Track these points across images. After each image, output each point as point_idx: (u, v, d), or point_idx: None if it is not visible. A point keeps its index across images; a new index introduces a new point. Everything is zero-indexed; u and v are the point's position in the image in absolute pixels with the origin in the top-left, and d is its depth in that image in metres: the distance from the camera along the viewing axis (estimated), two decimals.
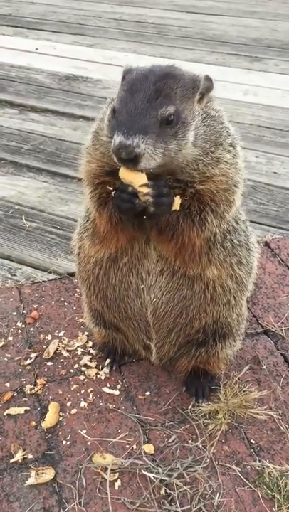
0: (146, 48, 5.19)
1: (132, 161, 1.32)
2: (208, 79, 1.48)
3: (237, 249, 1.68)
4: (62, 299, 2.35)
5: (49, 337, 2.17)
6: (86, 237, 1.73)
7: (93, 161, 1.56)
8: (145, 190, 1.40)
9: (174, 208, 1.47)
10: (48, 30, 5.61)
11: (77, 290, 2.38)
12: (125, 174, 1.39)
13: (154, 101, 1.34)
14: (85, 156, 1.60)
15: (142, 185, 1.40)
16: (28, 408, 1.89)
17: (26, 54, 5.03)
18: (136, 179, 1.39)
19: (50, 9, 6.18)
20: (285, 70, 4.71)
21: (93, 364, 2.05)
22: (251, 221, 2.41)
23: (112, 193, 1.52)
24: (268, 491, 1.63)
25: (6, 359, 2.07)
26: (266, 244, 2.69)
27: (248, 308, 2.22)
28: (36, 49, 5.14)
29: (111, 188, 1.52)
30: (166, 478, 1.65)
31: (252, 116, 3.93)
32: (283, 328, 2.21)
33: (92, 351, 2.11)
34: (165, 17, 5.99)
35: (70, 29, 5.65)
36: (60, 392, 1.94)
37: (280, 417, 1.85)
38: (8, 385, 1.97)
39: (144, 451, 1.74)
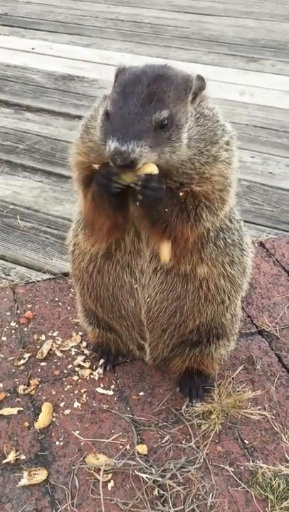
0: (142, 48, 5.18)
1: (129, 166, 1.32)
2: (200, 78, 1.47)
3: (230, 249, 1.68)
4: (57, 299, 2.35)
5: (43, 337, 2.16)
6: (80, 231, 1.73)
7: (81, 153, 1.56)
8: (135, 178, 1.39)
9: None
10: (45, 29, 5.60)
11: (72, 290, 2.37)
12: (126, 175, 1.39)
13: (148, 105, 1.34)
14: (74, 148, 1.60)
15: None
16: (21, 409, 1.88)
17: (22, 54, 5.02)
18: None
19: (47, 9, 6.17)
20: (281, 70, 4.71)
21: (87, 364, 2.05)
22: (246, 221, 2.41)
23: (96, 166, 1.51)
24: (262, 492, 1.63)
25: None
26: (261, 244, 2.68)
27: (243, 308, 2.22)
28: (32, 49, 5.13)
29: (96, 166, 1.51)
30: (160, 479, 1.65)
31: (248, 116, 3.93)
32: (278, 328, 2.21)
33: (86, 351, 2.10)
34: (162, 17, 5.98)
35: (67, 29, 5.64)
36: (54, 393, 1.94)
37: (273, 417, 1.84)
38: (1, 385, 1.96)
39: (138, 452, 1.73)
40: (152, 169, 1.38)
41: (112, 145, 1.30)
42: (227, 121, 1.57)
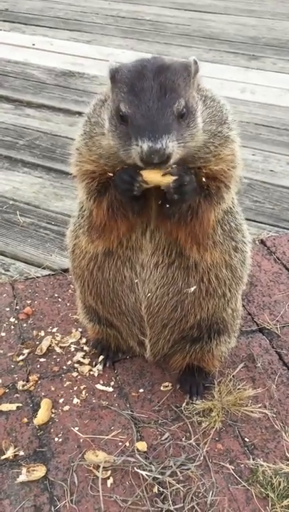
0: (143, 45, 5.17)
1: (165, 162, 1.31)
2: (195, 62, 1.47)
3: (234, 233, 1.69)
4: (56, 295, 2.33)
5: (42, 333, 2.14)
6: (82, 234, 1.71)
7: (88, 161, 1.53)
8: (169, 179, 1.39)
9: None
10: (45, 26, 5.58)
11: (71, 286, 2.35)
12: (150, 177, 1.39)
13: (164, 98, 1.32)
14: (76, 157, 1.57)
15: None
16: (20, 405, 1.86)
17: (23, 49, 5.00)
18: (164, 179, 1.39)
19: (48, 5, 6.15)
20: (282, 68, 4.70)
21: (86, 361, 2.03)
22: (247, 219, 2.38)
23: (111, 174, 1.49)
24: (262, 490, 1.62)
25: None
26: (262, 242, 2.67)
27: (244, 305, 2.21)
28: (33, 44, 5.11)
29: (111, 174, 1.50)
30: (159, 476, 1.64)
31: (249, 114, 3.92)
32: (278, 326, 2.19)
33: (85, 348, 2.08)
34: (163, 14, 5.96)
35: (67, 25, 5.62)
36: (53, 389, 1.92)
37: (274, 415, 1.83)
38: (0, 381, 1.95)
39: (137, 449, 1.72)
40: (170, 178, 1.39)
41: (145, 145, 1.27)
42: (224, 99, 1.58)
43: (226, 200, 1.55)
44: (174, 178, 1.39)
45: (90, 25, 5.64)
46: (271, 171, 3.30)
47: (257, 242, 2.64)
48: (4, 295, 2.32)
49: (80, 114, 4.08)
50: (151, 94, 1.32)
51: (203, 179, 1.48)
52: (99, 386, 1.94)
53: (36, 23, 5.64)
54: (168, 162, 1.32)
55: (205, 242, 1.58)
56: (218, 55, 4.98)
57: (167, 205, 1.48)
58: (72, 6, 6.16)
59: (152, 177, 1.39)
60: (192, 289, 1.65)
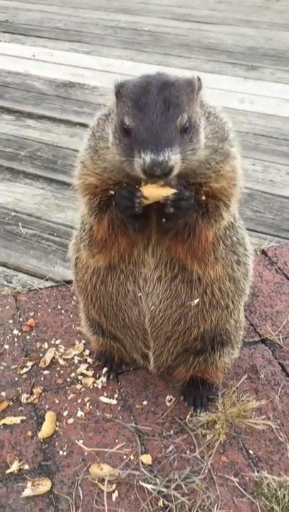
0: (142, 56, 5.21)
1: (167, 175, 1.33)
2: (199, 79, 1.49)
3: (236, 247, 1.70)
4: (59, 307, 2.34)
5: (45, 345, 2.15)
6: (83, 248, 1.72)
7: (92, 174, 1.55)
8: (169, 192, 1.41)
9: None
10: (45, 37, 5.63)
11: (74, 298, 2.36)
12: (150, 192, 1.41)
13: (167, 112, 1.35)
14: (80, 169, 1.59)
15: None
16: (24, 418, 1.87)
17: (23, 60, 5.04)
18: (164, 192, 1.41)
19: (47, 16, 6.21)
20: (280, 78, 4.74)
21: (90, 373, 2.04)
22: (248, 229, 2.40)
23: (112, 192, 1.52)
24: (267, 503, 1.62)
25: (2, 367, 2.05)
26: (263, 252, 2.69)
27: (246, 316, 2.22)
28: (33, 56, 5.15)
29: (112, 192, 1.52)
30: (164, 490, 1.64)
31: (248, 124, 3.95)
32: (281, 336, 2.20)
33: (89, 360, 2.09)
34: (162, 25, 6.02)
35: (67, 36, 5.67)
36: (57, 402, 1.92)
37: (278, 427, 1.84)
38: (4, 394, 1.95)
39: (142, 462, 1.72)
40: (170, 191, 1.41)
41: (148, 157, 1.29)
42: (227, 117, 1.60)
43: (224, 219, 1.55)
44: (174, 191, 1.41)
45: (90, 36, 5.69)
46: (271, 181, 3.32)
47: (258, 252, 2.66)
48: (7, 307, 2.33)
49: (80, 125, 4.13)
50: (155, 109, 1.34)
51: (203, 197, 1.50)
52: (103, 398, 1.94)
53: (36, 34, 5.69)
54: (170, 175, 1.33)
55: (205, 258, 1.59)
56: (217, 65, 5.02)
57: (164, 220, 1.50)
58: (72, 17, 6.22)
59: (152, 191, 1.41)
60: (195, 301, 1.66)
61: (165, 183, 1.39)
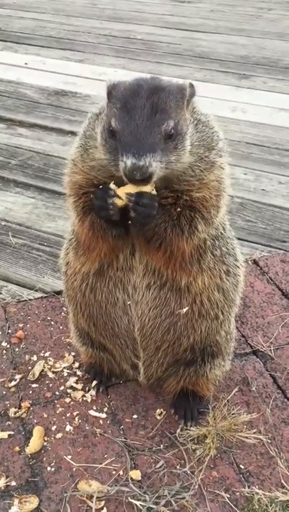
0: (135, 64, 5.22)
1: (146, 180, 1.34)
2: (191, 86, 1.50)
3: (226, 257, 1.69)
4: (49, 318, 2.31)
5: (34, 357, 2.12)
6: (71, 250, 1.73)
7: (80, 172, 1.56)
8: (127, 196, 1.42)
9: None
10: (38, 45, 5.62)
11: (64, 309, 2.34)
12: (123, 192, 1.43)
13: (154, 117, 1.35)
14: (71, 167, 1.60)
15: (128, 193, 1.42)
16: (11, 432, 1.84)
17: (15, 68, 5.03)
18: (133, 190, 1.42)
19: (40, 24, 6.21)
20: (273, 87, 4.75)
21: (79, 386, 2.01)
22: (239, 238, 2.40)
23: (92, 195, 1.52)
24: None
25: None
26: (255, 262, 2.68)
27: (237, 327, 2.20)
28: (25, 64, 5.14)
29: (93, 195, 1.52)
30: (154, 506, 1.61)
31: (240, 133, 3.95)
32: (272, 348, 2.19)
33: (78, 372, 2.06)
34: (154, 33, 6.04)
35: (60, 44, 5.67)
36: (45, 416, 1.90)
37: (269, 441, 1.82)
38: None
39: (131, 478, 1.70)
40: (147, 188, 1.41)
41: (129, 161, 1.30)
42: (219, 127, 1.60)
43: (200, 231, 1.52)
44: (146, 191, 1.40)
45: (83, 44, 5.69)
46: (263, 190, 3.32)
47: (250, 262, 2.65)
48: None
49: (72, 133, 4.10)
50: (142, 113, 1.35)
51: (178, 209, 1.49)
52: (92, 412, 1.91)
53: (29, 42, 5.68)
54: (150, 180, 1.35)
55: (187, 268, 1.58)
56: (209, 74, 5.04)
57: (129, 222, 1.49)
58: (65, 25, 6.23)
59: (124, 190, 1.42)
60: (184, 310, 1.65)
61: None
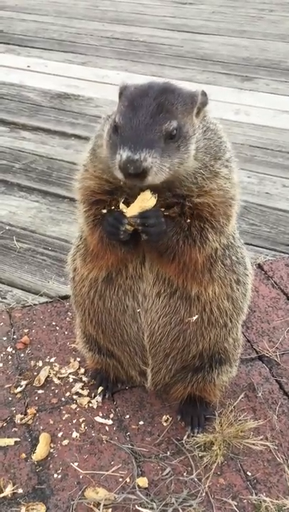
0: (137, 67, 5.21)
1: (139, 175, 1.32)
2: (204, 94, 1.50)
3: (236, 266, 1.69)
4: (54, 323, 2.31)
5: (40, 363, 2.12)
6: (79, 256, 1.72)
7: (92, 177, 1.56)
8: (134, 219, 1.43)
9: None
10: (40, 47, 5.62)
11: (69, 314, 2.34)
12: (131, 212, 1.43)
13: (157, 116, 1.35)
14: (82, 173, 1.60)
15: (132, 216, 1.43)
16: (18, 439, 1.83)
17: (18, 71, 5.03)
18: (138, 207, 1.42)
19: (42, 26, 6.21)
20: (275, 89, 4.75)
21: (85, 392, 2.00)
22: (244, 243, 2.40)
23: (104, 210, 1.52)
24: None
25: None
26: (259, 266, 2.67)
27: (243, 333, 2.19)
28: (28, 66, 5.14)
29: (105, 211, 1.53)
30: None
31: (243, 135, 3.95)
32: (278, 353, 2.18)
33: (84, 378, 2.06)
34: (156, 36, 6.03)
35: (62, 47, 5.67)
36: (52, 422, 1.89)
37: (276, 448, 1.81)
38: None
39: (138, 485, 1.69)
40: (147, 197, 1.41)
41: (124, 154, 1.30)
42: (227, 138, 1.59)
43: (212, 241, 1.53)
44: (138, 219, 1.42)
45: (85, 46, 5.69)
46: (267, 193, 3.31)
47: (254, 266, 2.64)
48: (1, 324, 2.30)
49: (75, 136, 4.10)
50: (146, 111, 1.36)
51: (188, 220, 1.49)
52: (98, 419, 1.91)
53: (31, 45, 5.68)
54: (145, 177, 1.32)
55: (198, 277, 1.58)
56: (212, 76, 5.03)
57: (140, 239, 1.50)
58: (67, 27, 6.22)
59: (133, 211, 1.42)
60: (194, 318, 1.65)
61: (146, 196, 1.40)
